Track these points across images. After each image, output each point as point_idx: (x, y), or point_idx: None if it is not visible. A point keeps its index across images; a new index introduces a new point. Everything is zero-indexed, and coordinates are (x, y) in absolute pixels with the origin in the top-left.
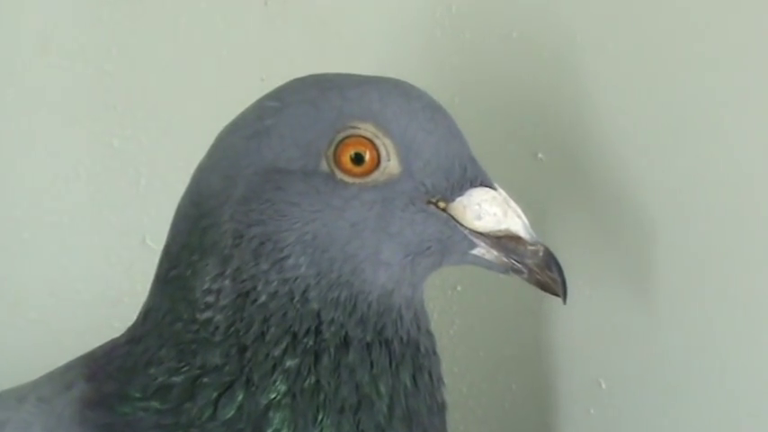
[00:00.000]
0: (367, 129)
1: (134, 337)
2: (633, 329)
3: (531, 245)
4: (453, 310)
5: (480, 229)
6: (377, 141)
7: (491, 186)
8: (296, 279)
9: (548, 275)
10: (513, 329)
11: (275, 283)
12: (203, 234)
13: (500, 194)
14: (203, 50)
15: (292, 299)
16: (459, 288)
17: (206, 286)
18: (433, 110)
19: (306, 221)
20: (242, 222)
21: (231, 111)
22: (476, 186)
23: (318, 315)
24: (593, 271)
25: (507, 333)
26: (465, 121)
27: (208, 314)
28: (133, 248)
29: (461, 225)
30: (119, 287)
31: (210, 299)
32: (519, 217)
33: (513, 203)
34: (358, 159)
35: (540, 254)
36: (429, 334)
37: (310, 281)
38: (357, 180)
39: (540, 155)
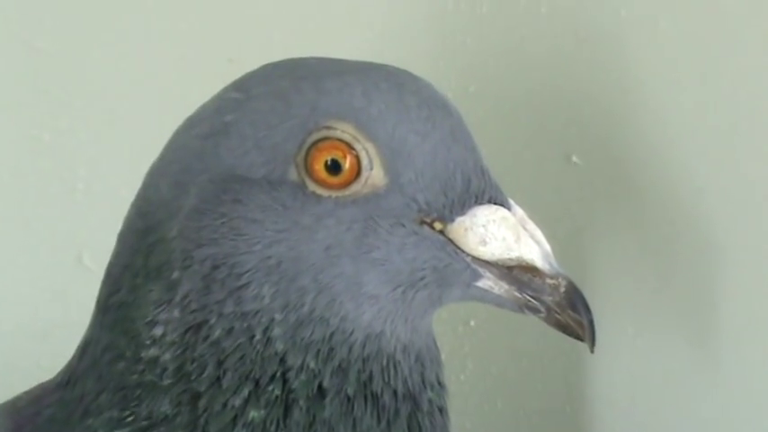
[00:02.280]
0: (345, 130)
1: (69, 379)
2: (688, 382)
3: (551, 277)
4: (465, 349)
5: (486, 257)
6: (357, 146)
7: (503, 204)
8: (256, 313)
9: (570, 316)
10: (539, 375)
11: (231, 317)
12: (149, 252)
13: (513, 214)
14: (158, 23)
15: (252, 337)
16: (472, 323)
17: (149, 317)
18: (432, 107)
19: (268, 243)
20: (192, 240)
21: (192, 100)
22: (482, 203)
23: (284, 359)
24: (639, 305)
25: (532, 379)
26: (480, 118)
27: (153, 351)
28: (67, 269)
29: (463, 251)
30: (48, 317)
31: (156, 332)
32: (537, 243)
33: (530, 225)
34: (334, 168)
35: (562, 289)
36: (438, 386)
37: (275, 315)
38: (333, 193)
39: (574, 158)
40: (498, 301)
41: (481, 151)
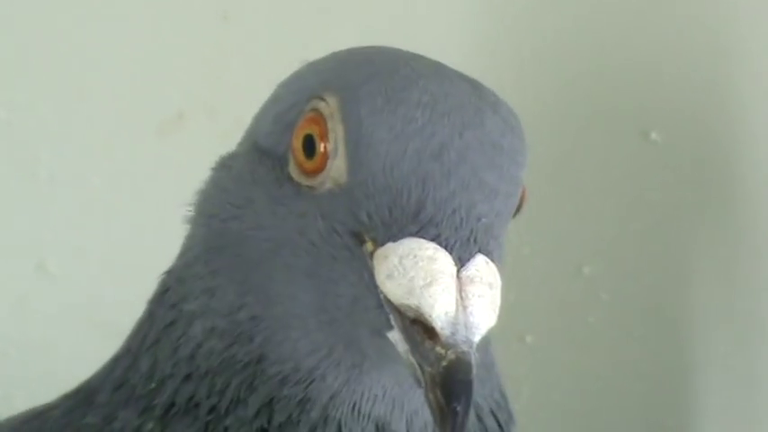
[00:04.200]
0: (330, 104)
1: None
2: None
3: (443, 346)
4: (520, 372)
5: (389, 296)
6: (330, 124)
7: (460, 258)
8: (191, 311)
9: (436, 397)
10: (613, 404)
11: (172, 310)
12: None
13: (461, 269)
14: None
15: (172, 324)
16: (528, 339)
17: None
18: (439, 112)
19: (224, 218)
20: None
21: (180, 63)
22: (423, 235)
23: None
24: (732, 309)
25: (604, 410)
26: (536, 85)
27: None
28: (26, 277)
29: (377, 284)
30: (3, 333)
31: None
32: (455, 301)
33: (475, 288)
34: (309, 148)
35: (444, 362)
36: None
37: (213, 319)
38: (304, 180)
39: (653, 134)
40: (402, 366)
41: (489, 196)
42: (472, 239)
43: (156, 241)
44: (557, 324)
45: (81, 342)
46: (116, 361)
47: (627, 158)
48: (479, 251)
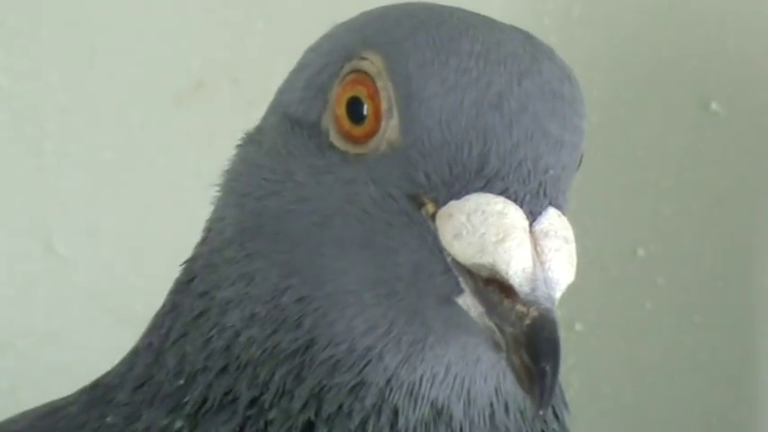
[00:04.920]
0: (374, 62)
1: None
2: None
3: (523, 303)
4: (569, 362)
5: (458, 257)
6: (379, 83)
7: (531, 210)
8: (227, 297)
9: (521, 359)
10: (667, 397)
11: (203, 298)
12: None
13: (533, 223)
14: None
15: (202, 315)
16: (578, 327)
17: None
18: (492, 61)
19: (260, 195)
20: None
21: (199, 27)
22: (489, 190)
23: (255, 371)
24: None
25: (658, 403)
26: (586, 51)
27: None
28: (33, 258)
29: (443, 247)
30: (9, 321)
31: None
32: (532, 256)
33: (550, 242)
34: (356, 114)
35: (527, 321)
36: None
37: (251, 306)
38: (352, 149)
39: (713, 105)
40: (475, 334)
41: (554, 146)
42: (541, 192)
43: (174, 221)
44: (608, 311)
45: (93, 330)
46: (136, 356)
47: (685, 131)
48: (550, 204)
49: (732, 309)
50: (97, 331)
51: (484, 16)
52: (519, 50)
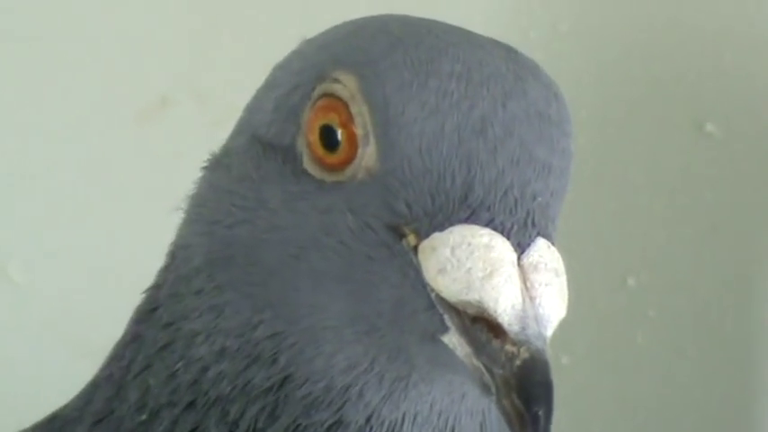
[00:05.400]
0: (347, 84)
1: None
2: None
3: (513, 343)
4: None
5: (443, 293)
6: (353, 108)
7: (519, 242)
8: (196, 328)
9: (512, 403)
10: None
11: (168, 328)
12: None
13: (522, 255)
14: None
15: (167, 347)
16: (564, 360)
17: None
18: (474, 82)
19: (230, 223)
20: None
21: (163, 40)
22: (474, 221)
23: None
24: None
25: None
26: (577, 69)
27: None
28: None
29: (426, 281)
30: None
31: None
32: (521, 292)
33: (541, 276)
34: (330, 140)
35: (517, 362)
36: None
37: (221, 340)
38: (328, 176)
39: (708, 126)
40: (462, 373)
41: (542, 172)
42: (530, 221)
43: (136, 246)
44: (597, 344)
45: (48, 360)
46: (95, 388)
47: (679, 153)
48: (539, 234)
49: (729, 343)
50: (54, 362)
51: (462, 30)
52: (502, 69)
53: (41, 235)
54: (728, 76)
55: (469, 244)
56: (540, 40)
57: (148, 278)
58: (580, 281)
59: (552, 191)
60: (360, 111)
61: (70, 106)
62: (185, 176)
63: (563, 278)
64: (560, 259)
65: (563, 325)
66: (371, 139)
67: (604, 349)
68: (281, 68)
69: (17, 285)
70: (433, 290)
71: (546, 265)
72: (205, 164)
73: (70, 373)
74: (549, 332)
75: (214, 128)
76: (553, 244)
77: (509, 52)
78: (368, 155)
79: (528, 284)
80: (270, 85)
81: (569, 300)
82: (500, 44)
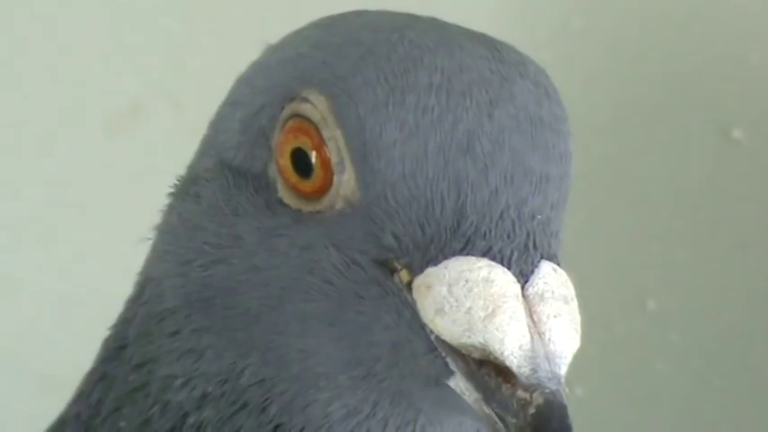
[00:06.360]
0: (318, 105)
1: None
2: None
3: (524, 388)
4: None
5: (443, 336)
6: (325, 132)
7: (521, 270)
8: (166, 374)
9: None
10: None
11: (133, 372)
12: None
13: (527, 285)
14: None
15: (140, 390)
16: (579, 391)
17: None
18: (456, 92)
19: (204, 263)
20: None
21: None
22: (470, 252)
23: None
24: None
25: None
26: (593, 71)
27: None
28: None
29: (424, 323)
30: None
31: None
32: (528, 329)
33: (548, 307)
34: (302, 166)
35: (531, 410)
36: None
37: (202, 385)
38: (304, 206)
39: (735, 132)
40: (473, 417)
41: (539, 184)
42: (530, 244)
43: (105, 270)
44: (614, 372)
45: (12, 395)
46: (63, 426)
47: (702, 162)
48: (542, 257)
49: (756, 370)
50: (17, 396)
51: (438, 27)
52: (485, 72)
53: (2, 257)
54: (756, 77)
55: (467, 280)
56: (549, 39)
57: (118, 305)
58: (595, 304)
59: (552, 203)
60: (332, 135)
61: (34, 116)
62: (160, 192)
63: (573, 304)
64: (569, 282)
65: (576, 353)
66: (348, 166)
67: (622, 379)
68: (244, 83)
69: None
70: (432, 331)
71: (553, 292)
72: (172, 189)
73: (34, 407)
74: (564, 370)
75: (192, 137)
76: (559, 264)
77: (491, 50)
78: (345, 182)
79: (535, 318)
80: (233, 102)
81: (583, 325)
82: (481, 39)
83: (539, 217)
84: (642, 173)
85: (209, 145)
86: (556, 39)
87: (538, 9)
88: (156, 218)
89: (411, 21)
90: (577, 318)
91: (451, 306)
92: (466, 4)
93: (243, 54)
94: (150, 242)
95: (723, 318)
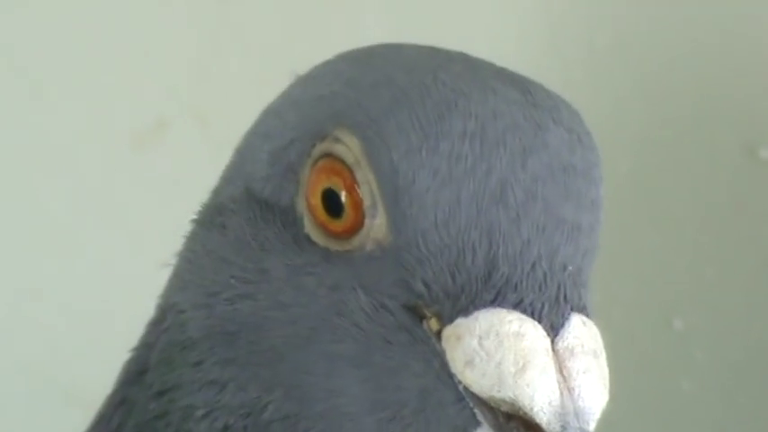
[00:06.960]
0: (351, 147)
1: None
2: None
3: None
4: None
5: (473, 388)
6: (359, 174)
7: (552, 323)
8: (190, 404)
9: None
10: None
11: (159, 399)
12: None
13: (558, 339)
14: None
15: (162, 418)
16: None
17: None
18: (490, 140)
19: (231, 297)
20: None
21: (161, 58)
22: (500, 306)
23: None
24: None
25: None
26: (618, 92)
27: None
28: None
29: (453, 373)
30: None
31: None
32: (547, 379)
33: (578, 362)
34: (333, 205)
35: None
36: None
37: (224, 417)
38: (333, 245)
39: (762, 152)
40: None
41: (570, 234)
42: (561, 297)
43: (130, 284)
44: (639, 392)
45: (36, 412)
46: None
47: (729, 181)
48: (572, 309)
49: None
50: (42, 412)
51: (472, 69)
52: (519, 119)
53: (27, 271)
54: None
55: (497, 333)
56: (575, 59)
57: (144, 318)
58: (621, 323)
59: (583, 252)
60: (366, 179)
61: (59, 130)
62: (186, 206)
63: (602, 357)
64: (598, 335)
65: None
66: (380, 210)
67: (647, 398)
68: (274, 115)
69: (1, 325)
70: (460, 381)
71: (583, 346)
72: (196, 217)
73: (59, 427)
74: (592, 426)
75: (217, 152)
76: (588, 315)
77: (524, 93)
78: (377, 226)
79: (565, 374)
80: (262, 134)
81: (609, 343)
82: (513, 81)
83: (570, 268)
84: (669, 191)
85: (235, 172)
86: (583, 57)
87: (564, 29)
88: (181, 232)
89: (444, 60)
90: (606, 372)
91: (482, 359)
92: (495, 25)
93: (268, 71)
94: (172, 266)
95: (750, 337)
